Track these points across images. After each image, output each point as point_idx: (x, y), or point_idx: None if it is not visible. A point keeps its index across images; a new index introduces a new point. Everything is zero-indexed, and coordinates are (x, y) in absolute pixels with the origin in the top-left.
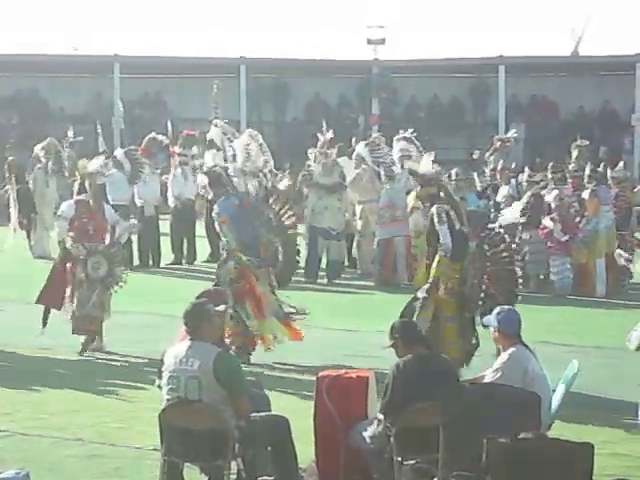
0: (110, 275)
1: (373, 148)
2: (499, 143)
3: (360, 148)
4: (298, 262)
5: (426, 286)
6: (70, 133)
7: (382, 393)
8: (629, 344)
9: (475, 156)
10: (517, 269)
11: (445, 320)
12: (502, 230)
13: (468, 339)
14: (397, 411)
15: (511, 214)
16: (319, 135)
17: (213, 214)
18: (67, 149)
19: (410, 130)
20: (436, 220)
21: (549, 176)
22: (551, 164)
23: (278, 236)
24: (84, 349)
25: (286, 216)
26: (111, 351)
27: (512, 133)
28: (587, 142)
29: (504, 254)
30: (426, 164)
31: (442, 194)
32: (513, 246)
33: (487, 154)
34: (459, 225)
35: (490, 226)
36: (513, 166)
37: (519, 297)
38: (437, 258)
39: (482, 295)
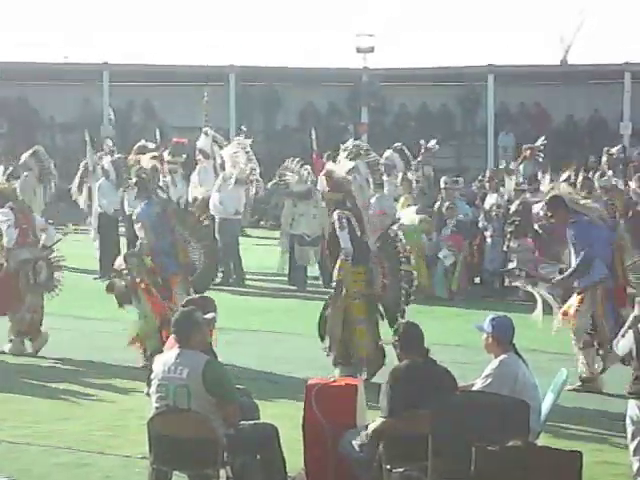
0: (50, 279)
1: (364, 154)
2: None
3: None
4: (217, 269)
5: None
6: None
7: (382, 401)
8: (616, 351)
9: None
10: (410, 271)
11: (357, 322)
12: (399, 231)
13: (377, 339)
14: (396, 414)
15: (409, 216)
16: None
17: (133, 215)
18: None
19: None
20: (337, 225)
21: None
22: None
23: (200, 242)
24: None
25: (202, 224)
26: (99, 359)
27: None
28: (614, 150)
29: (398, 248)
30: (342, 169)
31: (349, 203)
32: (407, 247)
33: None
34: (360, 233)
35: (392, 228)
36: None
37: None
38: (338, 263)
39: (404, 292)
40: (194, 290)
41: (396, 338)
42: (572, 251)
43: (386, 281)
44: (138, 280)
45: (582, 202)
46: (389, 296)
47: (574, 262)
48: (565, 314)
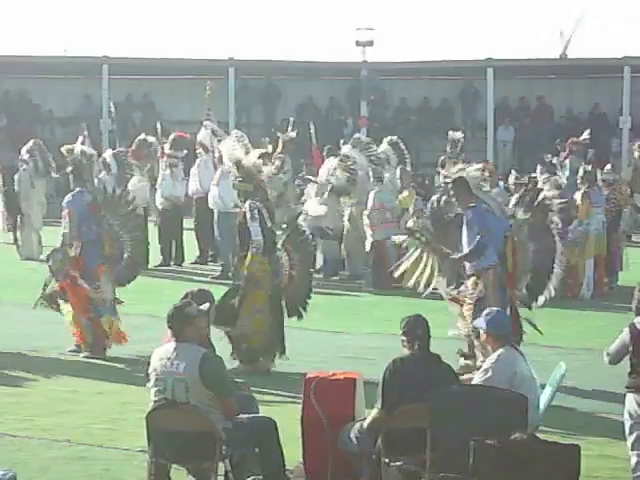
0: None
1: (364, 147)
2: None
3: (348, 150)
4: (145, 261)
5: (241, 282)
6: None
7: (378, 390)
8: (605, 358)
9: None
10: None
11: (255, 312)
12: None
13: (275, 329)
14: (392, 406)
15: (313, 208)
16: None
17: (63, 203)
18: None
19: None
20: (248, 216)
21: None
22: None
23: (129, 233)
24: None
25: (133, 215)
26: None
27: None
28: None
29: (306, 240)
30: (252, 157)
31: (259, 192)
32: (310, 237)
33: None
34: (270, 223)
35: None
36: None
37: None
38: (249, 255)
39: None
40: (118, 281)
41: (401, 332)
42: (466, 234)
43: (293, 272)
44: (63, 277)
45: (485, 190)
46: (294, 287)
47: (467, 245)
48: (455, 300)
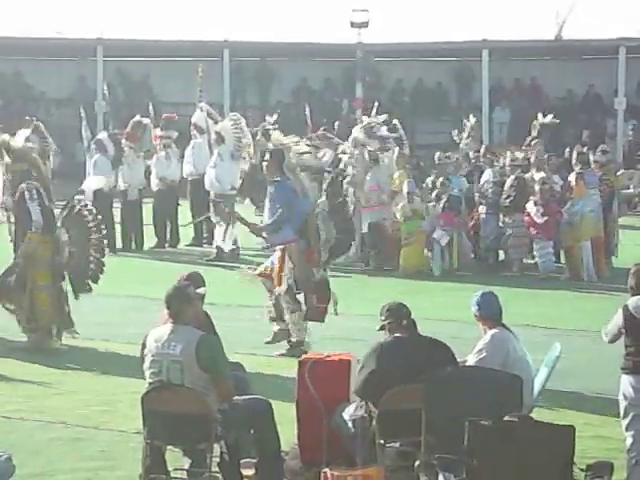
0: None
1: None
2: None
3: (357, 132)
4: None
5: (19, 261)
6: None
7: (359, 375)
8: (604, 337)
9: None
10: (103, 240)
11: (38, 290)
12: (89, 203)
13: (61, 307)
14: (370, 392)
15: (94, 182)
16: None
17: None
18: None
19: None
20: (27, 197)
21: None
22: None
23: None
24: None
25: None
26: (94, 335)
27: None
28: None
29: (91, 224)
30: (19, 139)
31: (34, 172)
32: (99, 217)
33: None
34: (48, 202)
35: (80, 198)
36: None
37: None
38: (28, 235)
39: (92, 260)
40: None
41: (382, 318)
42: (268, 207)
43: (72, 249)
44: None
45: (297, 172)
46: (75, 264)
47: (268, 217)
48: (262, 275)
